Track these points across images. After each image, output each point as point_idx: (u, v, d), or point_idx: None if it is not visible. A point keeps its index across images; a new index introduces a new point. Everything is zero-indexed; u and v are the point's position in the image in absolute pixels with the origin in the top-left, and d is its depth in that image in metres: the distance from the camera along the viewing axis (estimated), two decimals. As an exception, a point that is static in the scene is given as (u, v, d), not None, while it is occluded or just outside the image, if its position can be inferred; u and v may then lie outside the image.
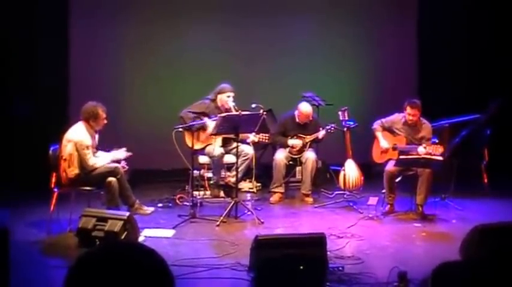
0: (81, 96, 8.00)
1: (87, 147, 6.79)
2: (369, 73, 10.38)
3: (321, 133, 8.41)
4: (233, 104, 8.05)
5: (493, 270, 2.20)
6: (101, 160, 6.92)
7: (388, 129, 7.97)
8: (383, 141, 7.93)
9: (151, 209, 7.54)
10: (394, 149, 7.84)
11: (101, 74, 9.63)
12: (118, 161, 7.06)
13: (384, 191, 7.71)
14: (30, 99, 8.91)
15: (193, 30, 9.84)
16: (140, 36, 9.74)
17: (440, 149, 7.38)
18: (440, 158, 7.40)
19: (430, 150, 7.37)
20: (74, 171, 6.78)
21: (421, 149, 7.47)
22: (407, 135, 7.76)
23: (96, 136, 7.05)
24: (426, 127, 7.77)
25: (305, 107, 8.46)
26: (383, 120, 8.04)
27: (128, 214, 6.29)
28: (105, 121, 6.99)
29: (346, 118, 8.37)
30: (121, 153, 7.10)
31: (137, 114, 9.61)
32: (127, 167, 7.15)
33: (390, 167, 7.61)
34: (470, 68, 10.01)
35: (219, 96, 8.18)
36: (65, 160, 6.76)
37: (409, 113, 7.68)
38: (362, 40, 10.33)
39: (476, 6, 10.03)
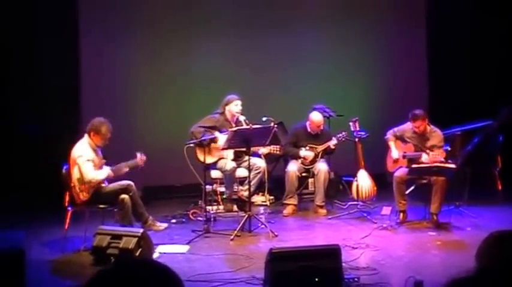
0: (92, 111, 8.01)
1: (88, 160, 6.72)
2: (379, 82, 10.37)
3: (332, 142, 8.41)
4: (244, 118, 8.06)
5: (510, 278, 2.18)
6: (101, 173, 6.84)
7: (400, 138, 7.97)
8: (394, 151, 7.94)
9: (165, 225, 7.55)
10: (403, 157, 7.85)
11: (112, 89, 9.61)
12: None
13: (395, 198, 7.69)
14: (39, 116, 8.91)
15: (203, 43, 9.83)
16: (150, 51, 9.73)
17: (441, 154, 7.38)
18: (453, 166, 7.38)
19: (432, 157, 7.36)
20: (84, 196, 6.79)
21: (424, 157, 7.49)
22: (417, 144, 7.74)
23: (99, 152, 7.00)
24: (436, 135, 7.73)
25: (316, 116, 8.47)
26: (395, 129, 8.04)
27: (141, 230, 6.30)
28: (107, 141, 6.93)
29: (358, 129, 8.35)
30: (122, 168, 7.03)
31: (148, 131, 9.59)
32: (145, 157, 7.11)
33: (399, 172, 7.62)
34: (480, 74, 9.98)
35: (227, 108, 8.19)
36: (73, 186, 6.77)
37: (415, 126, 7.70)
38: (372, 50, 10.32)
39: (486, 12, 10.00)
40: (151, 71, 9.74)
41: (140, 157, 7.12)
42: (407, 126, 7.88)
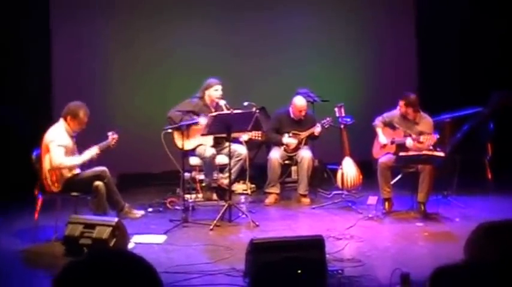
0: (65, 97, 7.96)
1: (59, 145, 6.66)
2: (366, 67, 10.42)
3: (317, 129, 8.42)
4: (224, 102, 8.03)
5: (499, 270, 2.19)
6: (70, 160, 6.79)
7: (389, 125, 8.00)
8: (382, 137, 7.96)
9: (141, 212, 7.53)
10: (392, 143, 7.87)
11: (86, 74, 9.61)
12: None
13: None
14: (10, 102, 8.86)
15: (182, 26, 9.83)
16: (126, 34, 9.72)
17: (432, 139, 7.37)
18: (442, 154, 7.42)
19: (423, 140, 7.37)
20: (56, 188, 6.75)
21: (408, 141, 7.52)
22: (406, 130, 7.76)
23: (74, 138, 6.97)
24: (425, 121, 7.76)
25: (299, 101, 8.47)
26: (384, 115, 8.06)
27: (116, 219, 6.26)
28: (84, 126, 6.88)
29: (343, 115, 8.37)
30: (92, 151, 6.98)
31: (124, 116, 9.58)
32: (116, 136, 7.08)
33: (385, 158, 7.66)
34: (471, 60, 10.03)
35: (207, 92, 8.18)
36: (45, 178, 6.72)
37: (400, 105, 7.77)
38: (359, 33, 10.36)
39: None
40: (128, 54, 9.73)
41: (112, 136, 7.09)
42: (396, 112, 7.91)
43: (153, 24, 9.74)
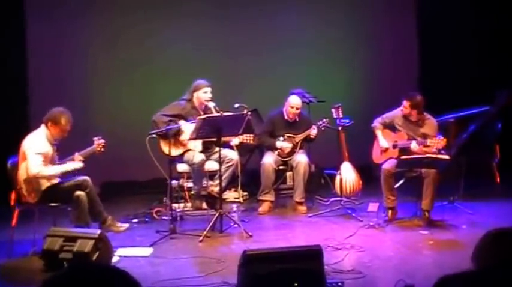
0: (43, 100, 7.98)
1: (37, 153, 6.64)
2: (364, 66, 10.46)
3: (312, 131, 8.42)
4: (214, 105, 8.02)
5: (510, 279, 2.19)
6: (49, 170, 6.75)
7: (389, 126, 8.00)
8: (382, 140, 7.96)
9: (126, 225, 7.52)
10: (394, 146, 7.86)
11: (66, 75, 9.60)
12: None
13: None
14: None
15: (170, 24, 9.84)
16: (109, 33, 9.72)
17: (441, 143, 7.34)
18: (447, 156, 7.41)
19: (430, 143, 7.36)
20: (33, 199, 6.73)
21: (413, 145, 7.53)
22: (409, 132, 7.78)
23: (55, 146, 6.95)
24: (430, 123, 7.77)
25: (294, 100, 8.49)
26: (384, 116, 8.07)
27: (99, 231, 6.24)
28: (66, 134, 6.87)
29: (340, 116, 8.35)
30: (76, 164, 6.98)
31: (107, 119, 9.57)
32: (103, 141, 7.08)
33: (388, 165, 7.64)
34: (475, 57, 10.06)
35: (195, 95, 8.16)
36: (20, 188, 6.70)
37: (404, 106, 7.76)
38: (357, 31, 10.41)
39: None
40: (111, 54, 9.73)
41: (97, 142, 7.08)
42: (398, 112, 7.91)
43: (138, 22, 9.73)
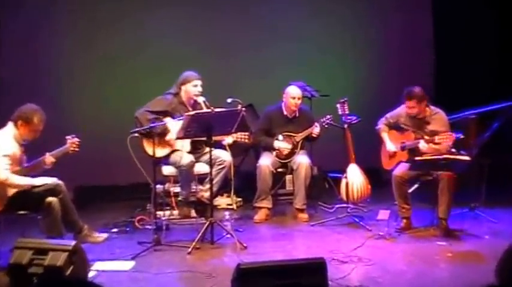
0: (13, 97, 7.97)
1: (4, 155, 6.62)
2: (373, 57, 10.55)
3: (315, 129, 8.44)
4: (203, 99, 8.01)
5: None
6: (19, 180, 6.74)
7: (395, 126, 8.02)
8: (389, 143, 8.01)
9: (104, 235, 7.47)
10: (402, 148, 7.88)
11: (39, 71, 9.65)
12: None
13: (396, 202, 7.73)
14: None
15: (156, 15, 9.92)
16: (88, 25, 9.78)
17: (450, 137, 7.31)
18: (467, 157, 7.38)
19: (439, 140, 7.33)
20: None
21: (422, 145, 7.52)
22: (417, 130, 7.78)
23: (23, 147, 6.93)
24: (438, 118, 7.75)
25: (294, 89, 8.52)
26: (387, 115, 8.10)
27: (73, 243, 6.21)
28: (37, 134, 6.85)
29: (347, 112, 8.36)
30: (50, 179, 6.94)
31: (84, 118, 9.62)
32: (77, 140, 7.08)
33: (399, 170, 7.64)
34: (497, 49, 10.07)
35: (183, 88, 8.16)
36: None
37: (408, 106, 7.72)
38: (364, 20, 10.49)
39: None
40: (90, 48, 9.79)
41: (71, 141, 7.08)
42: (402, 110, 7.92)
43: (121, 12, 9.83)
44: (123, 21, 9.78)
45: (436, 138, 7.36)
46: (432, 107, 7.78)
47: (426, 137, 7.51)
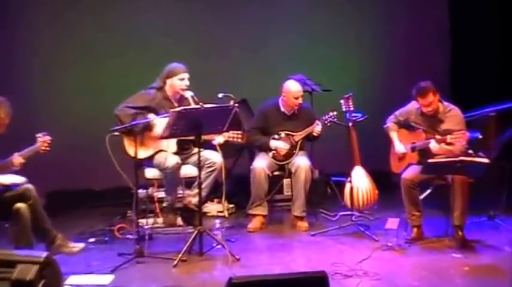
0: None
1: None
2: (381, 49, 10.65)
3: (317, 127, 8.43)
4: (191, 94, 7.96)
5: None
6: None
7: (405, 125, 8.03)
8: (398, 144, 8.01)
9: (80, 246, 7.40)
10: (412, 149, 7.87)
11: (8, 67, 9.67)
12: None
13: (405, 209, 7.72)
14: None
15: (142, 4, 9.98)
16: (66, 13, 9.83)
17: (463, 136, 7.25)
18: (486, 160, 7.32)
19: (451, 140, 7.28)
20: None
21: (432, 145, 7.49)
22: (429, 129, 7.76)
23: None
24: (453, 115, 7.71)
25: (294, 86, 8.51)
26: (397, 113, 8.10)
27: (45, 254, 6.14)
28: (3, 129, 6.81)
29: (352, 109, 8.35)
30: (17, 179, 6.89)
31: (58, 114, 9.66)
32: (48, 138, 7.04)
33: (409, 173, 7.63)
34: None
35: (169, 82, 8.11)
36: None
37: (423, 104, 7.68)
38: (370, 8, 10.59)
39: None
40: (62, 38, 9.85)
41: (42, 139, 7.05)
42: (412, 106, 7.92)
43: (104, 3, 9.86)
44: (107, 11, 9.80)
45: (448, 138, 7.32)
46: (445, 104, 7.76)
47: (438, 137, 7.45)
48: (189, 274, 6.79)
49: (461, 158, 7.24)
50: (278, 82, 8.77)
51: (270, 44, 10.29)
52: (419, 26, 10.61)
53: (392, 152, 8.10)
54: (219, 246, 7.36)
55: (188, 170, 8.19)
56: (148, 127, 7.90)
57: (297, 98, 8.46)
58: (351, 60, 10.54)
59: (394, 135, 8.05)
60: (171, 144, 8.06)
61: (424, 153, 7.66)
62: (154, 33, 10.00)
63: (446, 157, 7.33)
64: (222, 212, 8.84)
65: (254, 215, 8.43)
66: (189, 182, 8.25)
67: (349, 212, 8.31)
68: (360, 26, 10.62)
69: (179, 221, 8.26)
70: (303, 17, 10.42)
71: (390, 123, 8.09)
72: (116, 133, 7.61)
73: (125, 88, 8.83)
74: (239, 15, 10.26)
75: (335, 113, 8.44)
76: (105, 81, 9.84)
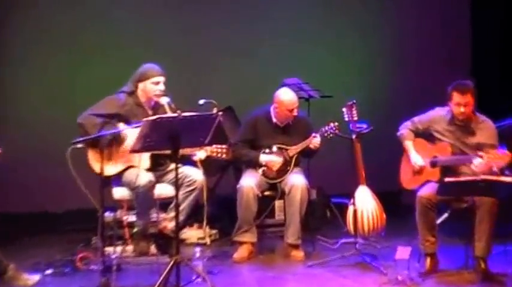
0: None
1: None
2: (389, 51, 10.78)
3: (314, 140, 8.38)
4: (168, 100, 7.87)
5: None
6: None
7: (424, 134, 7.93)
8: (415, 155, 7.89)
9: (36, 278, 7.42)
10: (433, 164, 7.76)
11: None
12: None
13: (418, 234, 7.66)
14: None
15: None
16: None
17: (505, 158, 7.16)
18: (511, 179, 7.24)
19: (490, 161, 7.20)
20: None
21: (477, 161, 7.36)
22: (456, 141, 7.69)
23: None
24: (486, 128, 7.67)
25: (287, 95, 8.48)
26: (415, 119, 8.02)
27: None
28: None
29: (355, 118, 8.27)
30: None
31: (9, 123, 9.66)
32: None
33: (426, 191, 7.54)
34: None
35: (141, 86, 8.07)
36: None
37: (459, 103, 7.57)
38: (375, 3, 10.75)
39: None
40: (21, 31, 9.88)
41: None
42: (438, 114, 7.85)
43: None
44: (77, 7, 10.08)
45: (486, 157, 7.20)
46: (478, 114, 7.71)
47: (481, 153, 7.31)
48: (165, 313, 6.76)
49: (483, 177, 7.19)
50: (269, 87, 8.80)
51: (260, 43, 10.43)
52: (433, 23, 10.75)
53: (405, 164, 8.01)
54: (199, 279, 7.26)
55: (163, 190, 8.12)
56: (118, 139, 7.83)
57: (291, 111, 8.40)
58: (354, 63, 10.63)
59: (409, 144, 7.96)
60: (144, 159, 7.96)
61: (447, 170, 7.57)
62: (132, 33, 10.13)
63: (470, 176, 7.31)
64: (203, 239, 8.85)
65: (241, 243, 8.38)
66: (164, 204, 8.20)
67: (352, 240, 8.25)
68: (364, 23, 10.75)
69: (152, 249, 8.21)
70: (301, 13, 10.55)
71: (405, 130, 8.00)
72: (79, 145, 7.49)
73: (92, 91, 8.85)
74: (230, 14, 10.42)
75: (336, 124, 8.41)
76: (60, 81, 9.93)
